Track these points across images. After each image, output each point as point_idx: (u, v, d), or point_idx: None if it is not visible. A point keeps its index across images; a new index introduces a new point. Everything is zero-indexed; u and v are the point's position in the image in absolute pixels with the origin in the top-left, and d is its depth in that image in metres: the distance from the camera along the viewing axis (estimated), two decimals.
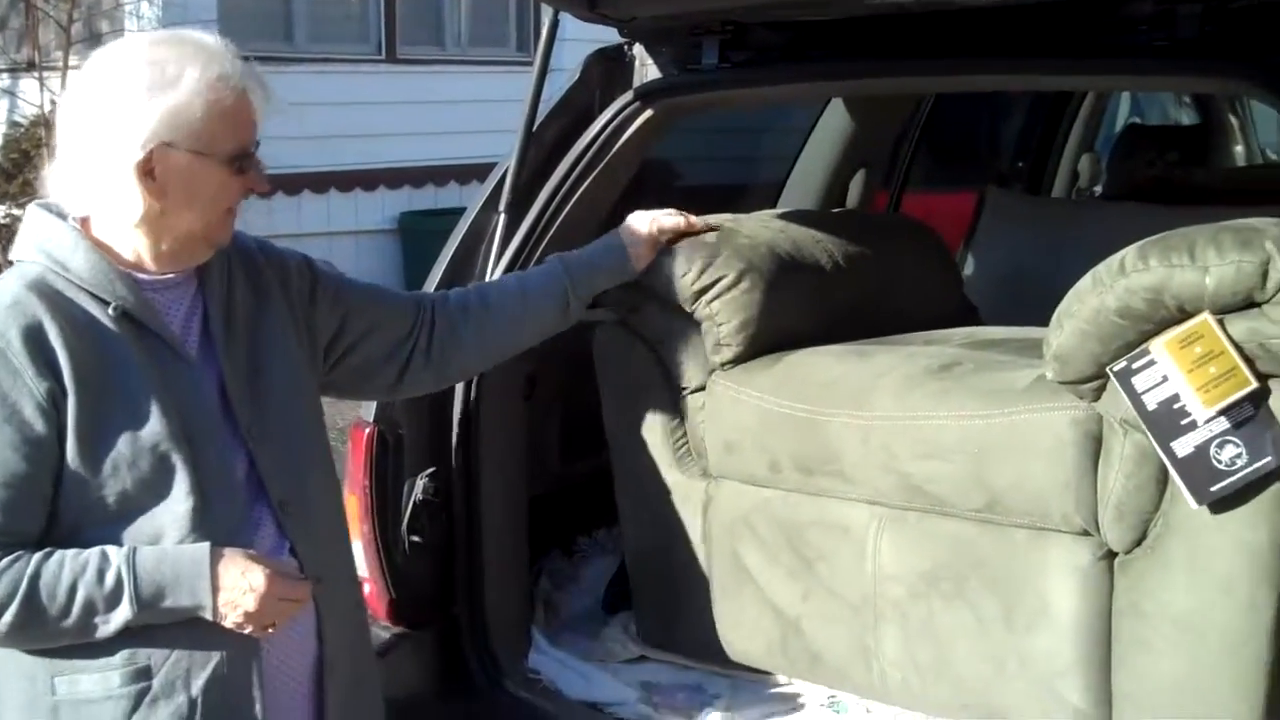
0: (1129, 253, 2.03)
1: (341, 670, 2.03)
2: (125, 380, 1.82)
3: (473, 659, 2.67)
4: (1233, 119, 5.28)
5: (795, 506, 2.43)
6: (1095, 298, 2.04)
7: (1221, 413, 1.91)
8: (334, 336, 2.12)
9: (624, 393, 2.65)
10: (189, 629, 1.84)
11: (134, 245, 1.87)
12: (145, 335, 1.85)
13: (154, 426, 1.82)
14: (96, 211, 1.86)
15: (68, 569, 1.79)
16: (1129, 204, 3.63)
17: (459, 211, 2.87)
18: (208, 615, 1.82)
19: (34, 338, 1.78)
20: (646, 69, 2.81)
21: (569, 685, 2.61)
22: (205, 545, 1.83)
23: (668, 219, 2.51)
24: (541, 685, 2.64)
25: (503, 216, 2.72)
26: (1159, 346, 1.97)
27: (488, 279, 2.67)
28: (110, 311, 1.83)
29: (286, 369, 2.01)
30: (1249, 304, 1.94)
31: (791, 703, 2.50)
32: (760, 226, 2.74)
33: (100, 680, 1.84)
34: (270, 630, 1.87)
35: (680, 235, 2.52)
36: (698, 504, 2.56)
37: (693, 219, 2.54)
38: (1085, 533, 2.10)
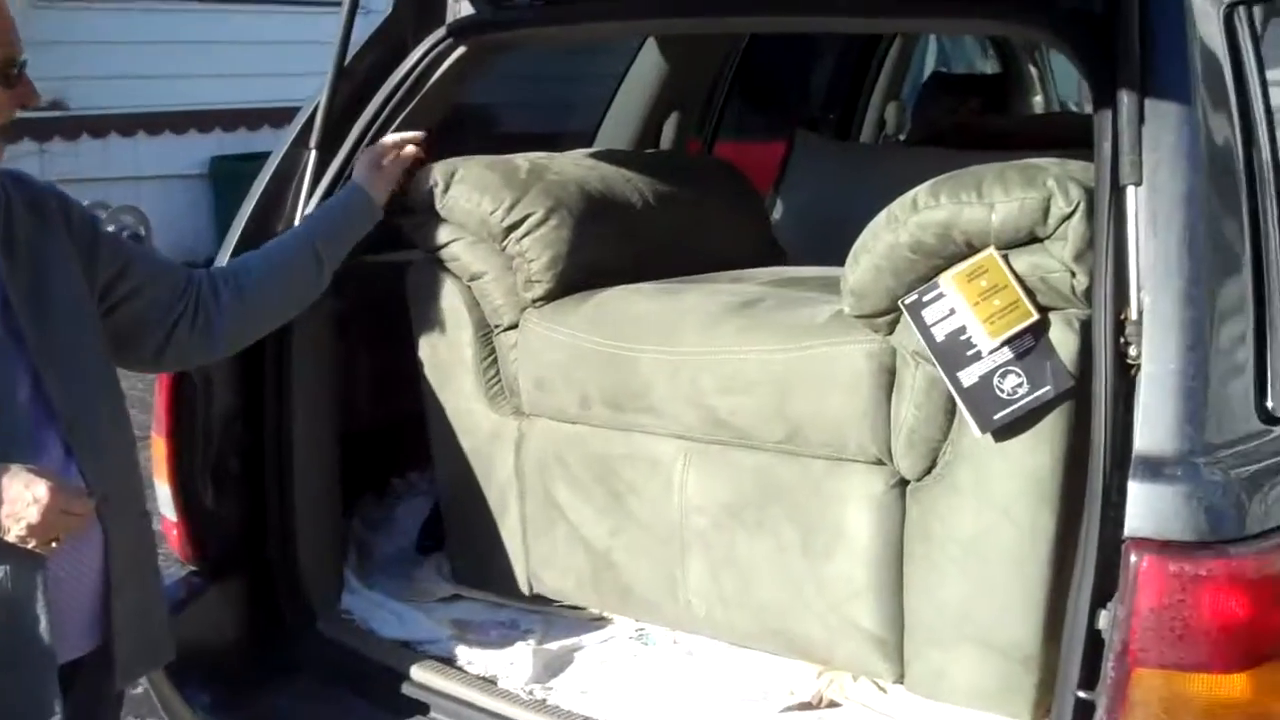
0: (921, 190, 2.11)
1: (129, 594, 2.02)
2: None
3: (285, 601, 2.65)
4: (1032, 69, 5.46)
5: (605, 441, 2.46)
6: (889, 234, 2.12)
7: (1005, 343, 1.99)
8: (108, 285, 2.08)
9: (436, 331, 2.65)
10: None
11: None
12: None
13: None
14: None
15: None
16: (931, 149, 3.73)
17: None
18: None
19: None
20: (460, 6, 2.78)
21: (382, 625, 2.62)
22: None
23: (393, 145, 2.57)
24: (354, 625, 2.64)
25: (313, 154, 2.68)
26: (947, 280, 2.05)
27: (297, 218, 2.64)
28: None
29: (70, 295, 1.98)
30: (1032, 239, 2.03)
31: (602, 636, 2.54)
32: (571, 165, 2.76)
33: None
34: (54, 545, 1.84)
35: (413, 158, 2.59)
36: (510, 442, 2.58)
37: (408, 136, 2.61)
38: (879, 462, 2.17)
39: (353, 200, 2.50)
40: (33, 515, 1.81)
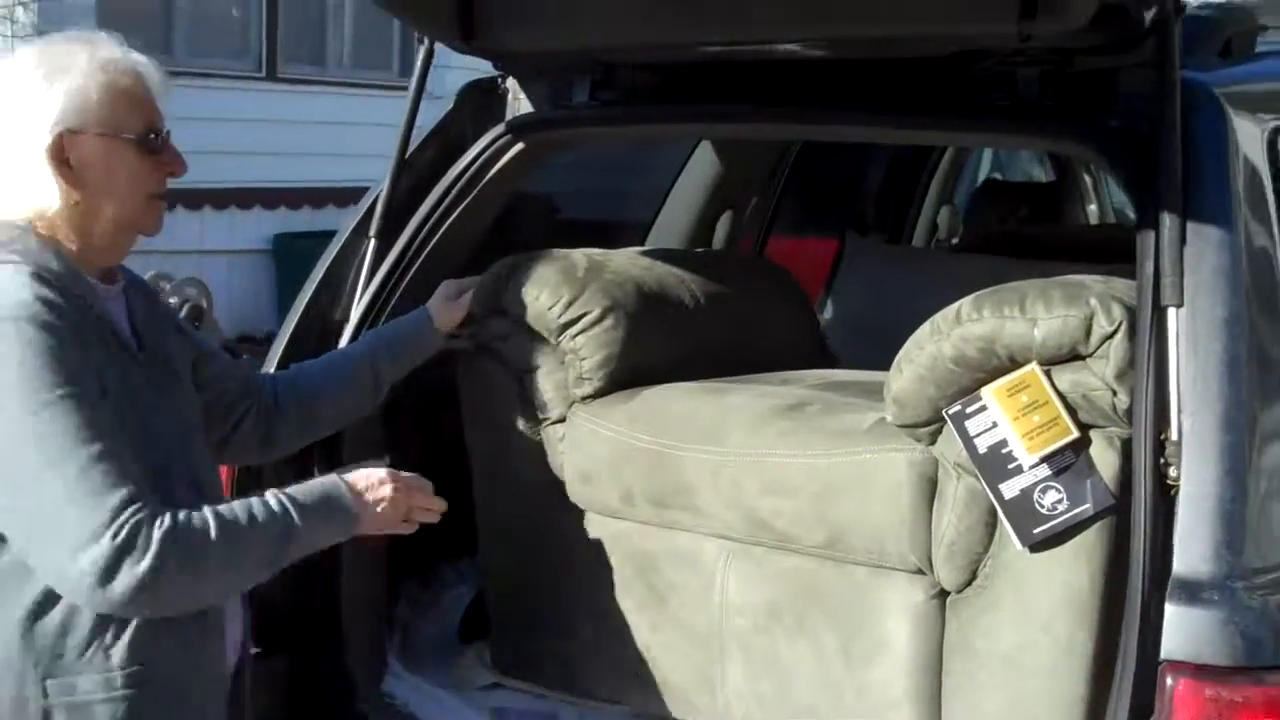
0: (965, 303, 2.14)
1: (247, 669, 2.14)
2: (118, 383, 1.85)
3: (328, 682, 2.68)
4: (1086, 178, 5.50)
5: (647, 538, 2.49)
6: (933, 345, 2.15)
7: (1044, 459, 2.01)
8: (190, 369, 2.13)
9: (486, 422, 2.70)
10: (183, 629, 1.89)
11: (70, 243, 1.89)
12: (113, 338, 1.88)
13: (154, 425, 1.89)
14: (27, 214, 1.87)
15: (233, 506, 1.88)
16: (981, 256, 3.77)
17: (334, 234, 2.90)
18: (354, 520, 2.00)
19: (71, 321, 1.80)
20: (519, 102, 2.85)
21: (423, 710, 2.64)
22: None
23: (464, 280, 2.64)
24: (396, 710, 2.66)
25: (372, 243, 2.75)
26: (989, 393, 2.08)
27: (354, 305, 2.71)
28: (92, 311, 1.85)
29: (189, 380, 2.08)
30: (1074, 356, 2.05)
31: None
32: (627, 263, 2.81)
33: (101, 681, 1.84)
34: (407, 524, 2.09)
35: None
36: (553, 534, 2.62)
37: None
38: (920, 571, 2.19)
39: (421, 328, 2.56)
40: (387, 491, 2.02)
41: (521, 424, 2.65)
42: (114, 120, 1.88)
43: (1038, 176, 6.33)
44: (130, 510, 1.76)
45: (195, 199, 8.65)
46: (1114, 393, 2.01)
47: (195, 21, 9.19)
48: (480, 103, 2.89)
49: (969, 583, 2.14)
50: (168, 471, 1.90)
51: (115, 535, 1.74)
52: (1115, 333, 2.00)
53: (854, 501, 2.22)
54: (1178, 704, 1.72)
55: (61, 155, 1.85)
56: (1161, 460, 1.86)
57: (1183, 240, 1.94)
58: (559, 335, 2.60)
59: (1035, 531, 2.02)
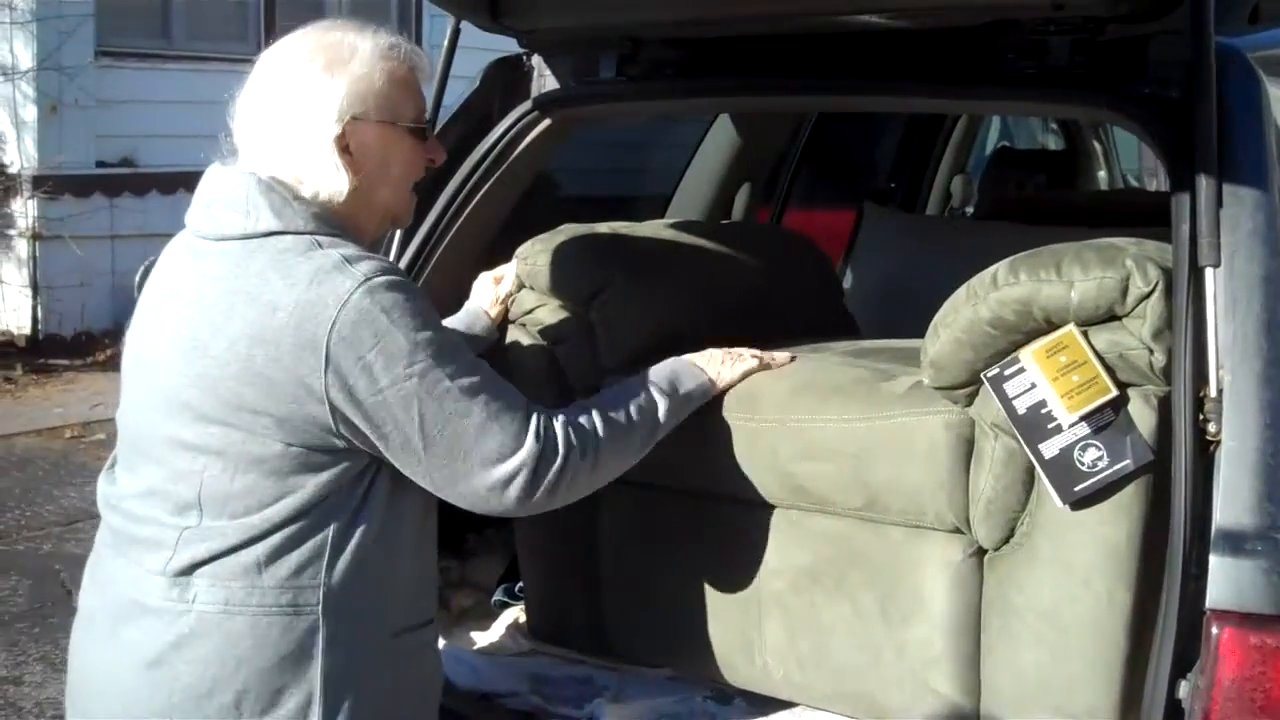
0: (1001, 267, 2.17)
1: None
2: None
3: None
4: (1097, 145, 5.53)
5: (683, 504, 2.52)
6: (969, 308, 2.17)
7: (1084, 418, 2.04)
8: None
9: (522, 391, 2.72)
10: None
11: (356, 230, 1.99)
12: None
13: None
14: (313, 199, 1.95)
15: (612, 400, 2.18)
16: (999, 223, 3.79)
17: None
18: (710, 385, 2.34)
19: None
20: (545, 79, 2.88)
21: (460, 677, 2.66)
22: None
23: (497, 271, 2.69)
24: None
25: None
26: (1028, 355, 2.11)
27: None
28: None
29: None
30: (1111, 317, 2.08)
31: (677, 694, 2.58)
32: (651, 234, 2.84)
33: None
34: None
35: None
36: (588, 501, 2.63)
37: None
38: (957, 530, 2.22)
39: (479, 325, 2.62)
40: (719, 357, 2.36)
41: (554, 393, 2.67)
42: (393, 108, 1.97)
43: (1047, 144, 6.36)
44: (535, 416, 2.01)
45: (196, 182, 8.65)
46: (1151, 351, 2.04)
47: (194, 5, 9.17)
48: (506, 80, 2.91)
49: (1006, 540, 2.18)
50: None
51: (536, 438, 1.98)
52: (1151, 293, 2.03)
53: (891, 464, 2.25)
54: (1223, 652, 1.76)
55: (344, 143, 1.93)
56: (1201, 416, 1.89)
57: (1219, 203, 1.97)
58: (587, 306, 2.63)
59: (1076, 489, 2.04)
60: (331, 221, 1.96)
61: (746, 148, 3.68)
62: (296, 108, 1.94)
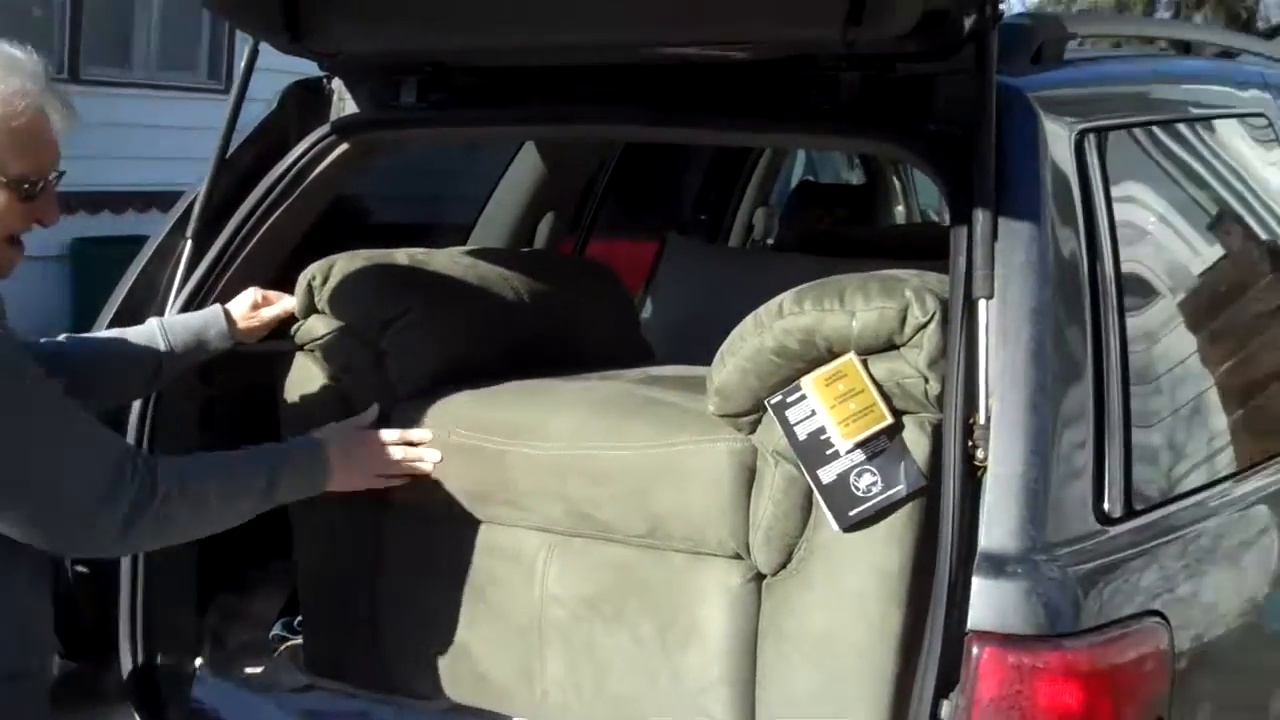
0: (787, 297, 2.20)
1: None
2: None
3: (133, 690, 2.60)
4: (896, 181, 5.67)
5: (468, 534, 2.49)
6: (755, 337, 2.20)
7: (859, 445, 2.08)
8: None
9: (303, 422, 2.64)
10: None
11: None
12: None
13: None
14: None
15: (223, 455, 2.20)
16: (798, 255, 3.85)
17: (138, 240, 2.84)
18: (328, 479, 2.29)
19: None
20: (345, 103, 2.83)
21: (233, 715, 2.61)
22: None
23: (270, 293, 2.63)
24: (205, 716, 2.62)
25: (189, 243, 2.70)
26: (809, 383, 2.14)
27: (170, 307, 2.65)
28: None
29: None
30: (890, 346, 2.12)
31: None
32: (449, 261, 2.81)
33: None
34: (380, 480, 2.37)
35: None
36: (371, 533, 2.60)
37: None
38: (737, 556, 2.23)
39: (211, 329, 2.53)
40: (363, 453, 2.36)
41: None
42: None
43: (849, 179, 6.50)
44: (130, 462, 1.97)
45: None
46: (926, 380, 2.09)
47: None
48: (304, 102, 2.86)
49: (784, 565, 2.19)
50: None
51: (129, 483, 1.94)
52: (929, 323, 2.08)
53: (675, 491, 2.26)
54: (982, 672, 1.79)
55: None
56: (970, 443, 1.93)
57: (994, 236, 2.02)
58: (379, 334, 2.59)
59: (851, 514, 2.08)
60: None
61: (551, 177, 3.68)
62: None
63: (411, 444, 2.41)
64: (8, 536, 1.95)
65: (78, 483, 1.93)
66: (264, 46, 2.70)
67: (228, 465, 2.21)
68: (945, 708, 1.82)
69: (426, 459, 2.41)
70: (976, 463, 1.92)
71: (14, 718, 2.02)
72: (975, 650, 1.81)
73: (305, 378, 2.65)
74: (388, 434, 2.41)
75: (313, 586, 2.73)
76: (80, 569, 2.55)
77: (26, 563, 2.02)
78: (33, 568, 2.05)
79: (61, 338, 2.42)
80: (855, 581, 2.11)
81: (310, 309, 2.64)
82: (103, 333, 2.53)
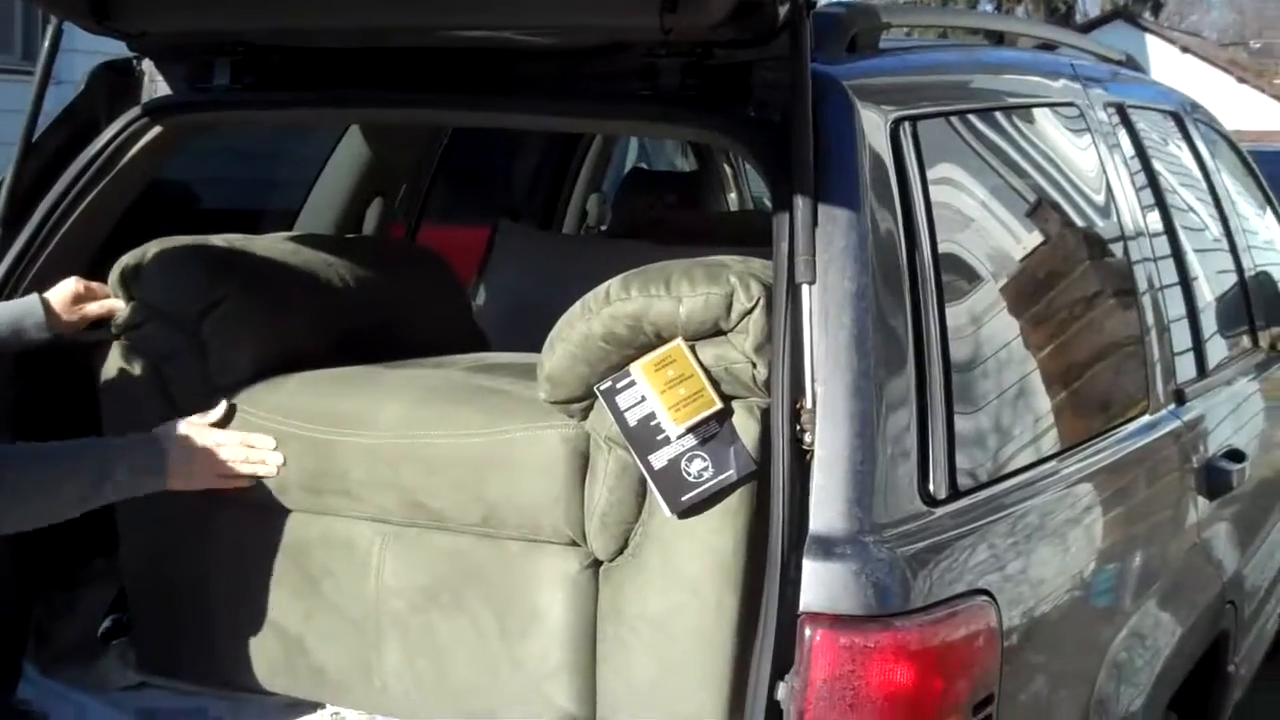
0: (614, 283, 2.21)
1: None
2: None
3: None
4: (727, 168, 5.72)
5: (299, 525, 2.45)
6: (583, 323, 2.20)
7: (690, 430, 2.10)
8: None
9: (124, 414, 2.58)
10: None
11: None
12: None
13: None
14: None
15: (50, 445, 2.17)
16: (630, 241, 3.87)
17: None
18: (165, 477, 2.29)
19: None
20: (156, 85, 2.76)
21: (62, 715, 2.53)
22: None
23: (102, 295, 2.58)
24: (33, 717, 2.54)
25: None
26: (638, 369, 2.15)
27: None
28: None
29: None
30: (717, 332, 2.15)
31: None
32: (271, 247, 2.76)
33: None
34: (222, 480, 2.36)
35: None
36: (199, 525, 2.54)
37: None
38: (574, 543, 2.24)
39: (27, 319, 2.48)
40: (204, 453, 2.33)
41: (161, 415, 2.55)
42: None
43: (681, 166, 6.54)
44: None
45: None
46: (754, 365, 2.11)
47: None
48: (114, 85, 2.78)
49: (620, 551, 2.21)
50: None
51: None
52: (754, 308, 2.10)
53: (508, 478, 2.25)
54: (815, 653, 1.83)
55: None
56: (798, 427, 1.96)
57: (814, 222, 2.05)
58: (198, 321, 2.54)
59: (683, 499, 2.09)
60: None
61: (377, 161, 3.63)
62: None
63: (253, 446, 2.37)
64: None
65: None
66: (73, 28, 2.60)
67: (54, 455, 2.18)
68: (781, 689, 1.86)
69: (270, 462, 2.38)
70: (804, 447, 1.95)
71: None
72: (808, 632, 1.84)
73: (124, 368, 2.58)
74: (231, 435, 2.37)
75: (141, 582, 2.67)
76: None
77: None
78: None
79: None
80: (690, 566, 2.13)
81: (126, 297, 2.58)
82: None
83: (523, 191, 5.30)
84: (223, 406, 2.43)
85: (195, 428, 2.39)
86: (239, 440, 2.39)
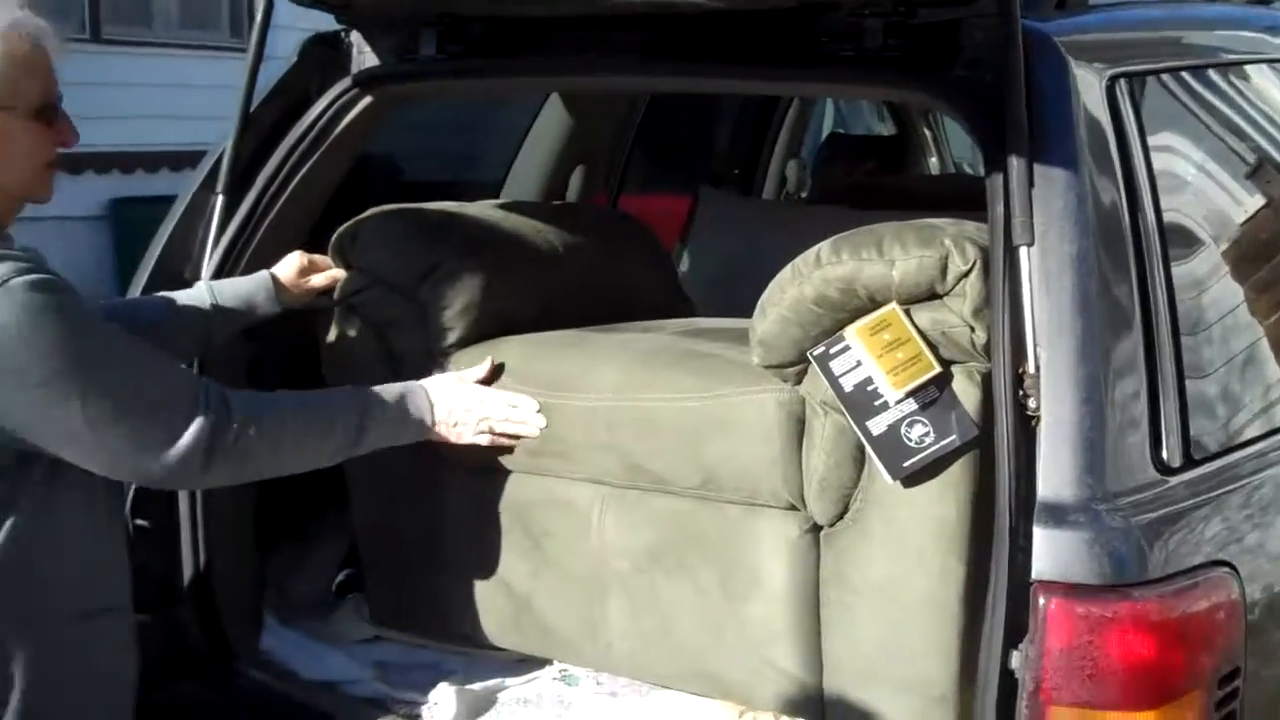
0: (824, 246, 2.20)
1: None
2: None
3: (203, 641, 2.65)
4: (927, 131, 5.62)
5: (522, 486, 2.51)
6: (795, 287, 2.20)
7: (909, 395, 2.08)
8: None
9: (349, 377, 2.66)
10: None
11: None
12: None
13: None
14: None
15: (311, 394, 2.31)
16: (831, 206, 3.83)
17: (172, 199, 2.83)
18: (426, 430, 2.35)
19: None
20: (364, 56, 2.81)
21: (303, 665, 2.63)
22: None
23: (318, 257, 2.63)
24: (274, 665, 2.65)
25: (221, 199, 2.70)
26: (852, 333, 2.14)
27: (205, 262, 2.65)
28: None
29: None
30: (932, 295, 2.12)
31: (524, 677, 2.58)
32: (482, 214, 2.81)
33: None
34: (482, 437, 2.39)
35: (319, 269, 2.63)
36: (426, 483, 2.60)
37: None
38: (793, 507, 2.25)
39: (260, 293, 2.54)
40: (465, 412, 2.35)
41: (385, 378, 2.61)
42: (12, 92, 1.83)
43: (879, 130, 6.44)
44: (205, 395, 2.02)
45: None
46: (972, 329, 2.09)
47: None
48: (324, 56, 2.84)
49: (841, 516, 2.21)
50: None
51: (205, 416, 2.00)
52: (970, 271, 2.08)
53: (725, 442, 2.27)
54: (1051, 622, 1.81)
55: None
56: (1021, 392, 1.92)
57: (1030, 183, 2.01)
58: (416, 287, 2.59)
59: (904, 465, 2.08)
60: None
61: (578, 130, 3.66)
62: None
63: (516, 406, 2.39)
64: (88, 485, 2.02)
65: (159, 414, 1.99)
66: (280, 3, 2.67)
67: (315, 401, 2.27)
68: (1015, 658, 1.85)
69: (532, 424, 2.39)
70: (1029, 412, 1.92)
71: (85, 654, 2.07)
72: (1042, 600, 1.82)
73: (346, 335, 2.66)
74: (496, 393, 2.40)
75: (371, 537, 2.76)
76: (140, 523, 2.56)
77: (104, 514, 2.10)
78: (108, 518, 2.13)
79: (112, 302, 2.42)
80: (913, 532, 2.13)
81: (346, 265, 2.64)
82: (153, 296, 2.53)
83: (722, 157, 5.28)
84: (488, 364, 2.45)
85: (462, 382, 2.42)
86: (505, 400, 2.41)
